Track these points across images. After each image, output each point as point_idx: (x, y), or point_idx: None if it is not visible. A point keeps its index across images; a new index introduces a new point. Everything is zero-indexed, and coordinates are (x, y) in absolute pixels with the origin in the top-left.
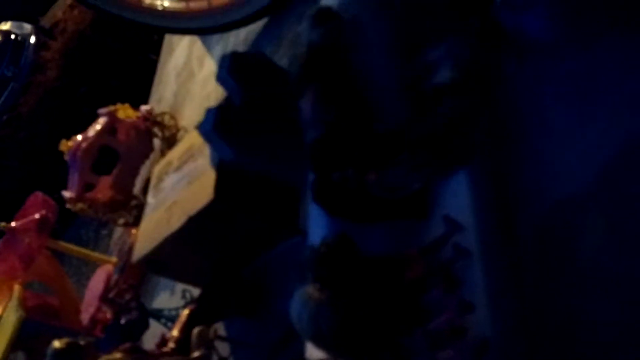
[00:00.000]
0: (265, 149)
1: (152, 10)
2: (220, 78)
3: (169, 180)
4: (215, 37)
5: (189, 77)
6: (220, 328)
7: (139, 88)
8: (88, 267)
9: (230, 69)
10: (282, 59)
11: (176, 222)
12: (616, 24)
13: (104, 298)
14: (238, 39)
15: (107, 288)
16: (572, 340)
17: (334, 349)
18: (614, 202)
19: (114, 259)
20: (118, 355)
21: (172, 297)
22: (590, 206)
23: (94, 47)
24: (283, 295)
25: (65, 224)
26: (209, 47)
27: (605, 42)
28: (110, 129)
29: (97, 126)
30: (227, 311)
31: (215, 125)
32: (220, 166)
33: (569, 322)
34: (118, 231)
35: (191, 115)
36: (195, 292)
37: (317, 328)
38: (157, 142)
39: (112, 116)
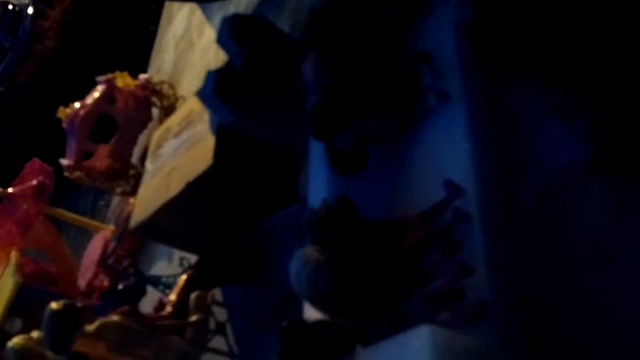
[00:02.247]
0: (266, 113)
1: None
2: (221, 41)
3: (168, 147)
4: (215, 6)
5: (189, 46)
6: (217, 294)
7: (138, 58)
8: (85, 238)
9: (232, 32)
10: (283, 26)
11: (175, 188)
12: None
13: (101, 264)
14: (239, 8)
15: (104, 254)
16: (568, 304)
17: (332, 310)
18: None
19: (111, 227)
20: (116, 317)
21: (170, 265)
22: (590, 175)
23: (93, 16)
24: (281, 262)
25: (62, 196)
26: (208, 16)
27: None
28: (108, 97)
29: (96, 94)
30: (225, 277)
31: (215, 88)
32: (220, 131)
33: (565, 286)
34: (116, 200)
35: (190, 84)
36: (193, 260)
37: (316, 288)
38: (155, 111)
39: (110, 84)
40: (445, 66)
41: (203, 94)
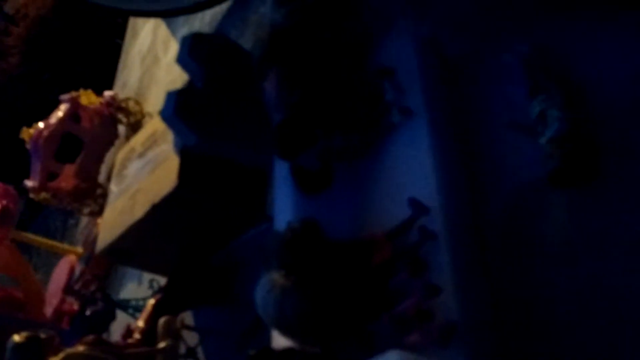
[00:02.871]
0: (230, 133)
1: None
2: (181, 60)
3: (132, 167)
4: (180, 20)
5: (154, 61)
6: (188, 317)
7: (105, 73)
8: (57, 258)
9: (191, 52)
10: (247, 41)
11: (140, 210)
12: None
13: (67, 290)
14: (203, 22)
15: (70, 279)
16: (539, 321)
17: (300, 336)
18: None
19: (79, 249)
20: (81, 348)
21: (140, 287)
22: (552, 188)
23: (57, 32)
24: (252, 282)
25: (32, 215)
26: (173, 31)
27: (566, 19)
28: (72, 115)
29: (59, 113)
30: (195, 300)
31: (177, 109)
32: (184, 152)
33: (534, 300)
34: (84, 220)
35: (156, 100)
36: (163, 281)
37: (283, 315)
38: (122, 129)
39: (74, 102)
40: (407, 82)
41: (164, 115)
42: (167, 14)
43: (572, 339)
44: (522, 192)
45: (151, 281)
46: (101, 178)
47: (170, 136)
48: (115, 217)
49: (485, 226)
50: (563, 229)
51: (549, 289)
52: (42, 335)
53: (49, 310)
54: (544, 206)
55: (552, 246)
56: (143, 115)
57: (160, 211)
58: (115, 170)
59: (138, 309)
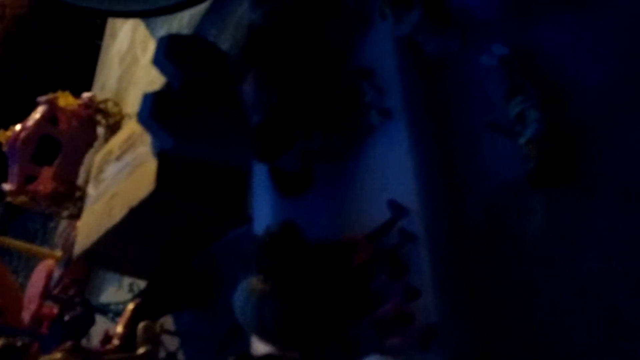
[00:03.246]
0: (208, 135)
1: None
2: (157, 62)
3: (110, 170)
4: (158, 21)
5: (133, 62)
6: (168, 322)
7: (84, 74)
8: (38, 261)
9: (168, 53)
10: (226, 41)
11: (118, 213)
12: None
13: (45, 295)
14: (182, 23)
15: (48, 284)
16: (519, 322)
17: (279, 342)
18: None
19: (58, 253)
20: (58, 355)
21: (119, 291)
22: (532, 189)
23: (35, 32)
24: (233, 285)
25: (11, 217)
26: (152, 31)
27: (545, 20)
28: (50, 117)
29: (37, 115)
30: (175, 304)
31: (153, 112)
32: (161, 154)
33: (515, 303)
34: (63, 223)
35: (135, 101)
36: (143, 284)
37: (262, 321)
38: (100, 130)
39: (52, 104)
40: (386, 83)
41: (141, 118)
42: (146, 15)
43: (551, 339)
44: (501, 192)
45: (131, 285)
46: (80, 180)
47: (148, 138)
48: (93, 221)
49: (464, 227)
50: (542, 230)
51: (529, 290)
52: (19, 343)
53: (26, 317)
54: (523, 207)
55: (531, 247)
56: (122, 117)
57: (139, 214)
58: (92, 173)
59: (118, 313)
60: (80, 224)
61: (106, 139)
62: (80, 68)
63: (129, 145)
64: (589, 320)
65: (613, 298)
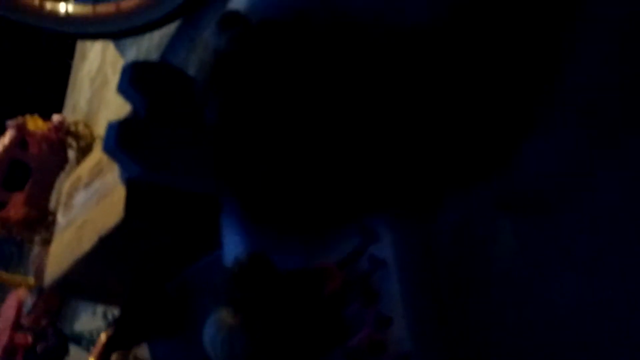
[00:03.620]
0: (177, 161)
1: (56, 16)
2: (122, 89)
3: (79, 197)
4: (128, 41)
5: (103, 83)
6: (142, 351)
7: (56, 94)
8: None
9: (132, 80)
10: (195, 62)
11: (87, 242)
12: None
13: (17, 326)
14: (152, 43)
15: (19, 315)
16: (491, 347)
17: None
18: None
19: (31, 280)
20: None
21: (94, 318)
22: (501, 213)
23: (3, 53)
24: (207, 311)
25: None
26: (122, 52)
27: None
28: (19, 142)
29: (5, 140)
30: (149, 332)
31: (118, 141)
32: (130, 182)
33: (487, 328)
34: (36, 249)
35: (106, 122)
36: (117, 311)
37: (232, 354)
38: (72, 153)
39: (21, 128)
40: None
41: (106, 148)
42: (114, 36)
43: None
44: (470, 217)
45: (105, 312)
46: (52, 205)
47: (116, 165)
48: (63, 250)
49: (434, 252)
50: (511, 254)
51: (500, 315)
52: None
53: None
54: (492, 232)
55: (501, 272)
56: (93, 139)
57: (108, 243)
58: (62, 200)
59: (93, 342)
60: (50, 252)
61: (78, 162)
62: (53, 88)
63: (98, 171)
64: (561, 344)
65: (585, 320)
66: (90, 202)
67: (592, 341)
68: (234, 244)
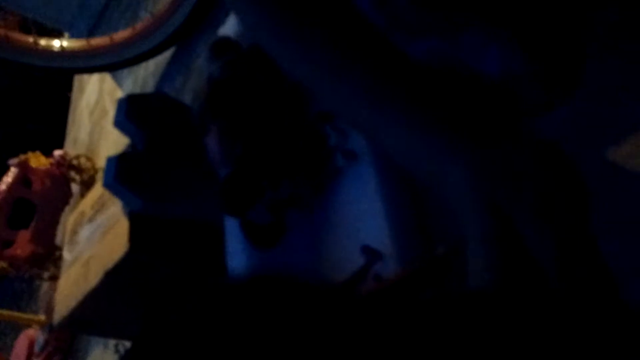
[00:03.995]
0: (178, 191)
1: (51, 52)
2: (119, 124)
3: (83, 233)
4: (124, 71)
5: (102, 114)
6: None
7: (57, 128)
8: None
9: (128, 113)
10: (192, 90)
11: (94, 278)
12: None
13: None
14: (147, 71)
15: (30, 353)
16: None
17: None
18: None
19: (42, 317)
20: None
21: (106, 352)
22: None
23: (2, 90)
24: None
25: None
26: (119, 82)
27: None
28: (23, 180)
29: (8, 179)
30: None
31: (118, 175)
32: (132, 215)
33: None
34: (45, 285)
35: (108, 154)
36: (129, 344)
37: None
38: (75, 187)
39: (23, 166)
40: (347, 126)
41: (106, 183)
42: (109, 69)
43: None
44: None
45: (116, 345)
46: (58, 240)
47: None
48: (70, 287)
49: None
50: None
51: None
52: None
53: None
54: None
55: None
56: (96, 171)
57: (115, 277)
58: (67, 237)
59: None
60: (57, 289)
61: (82, 195)
62: (54, 122)
63: (100, 205)
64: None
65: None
66: (94, 237)
67: None
68: (239, 267)
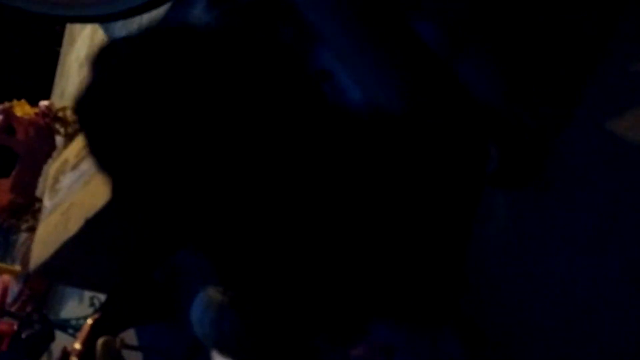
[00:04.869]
0: None
1: None
2: None
3: (66, 181)
4: (117, 25)
5: None
6: (129, 336)
7: (44, 82)
8: None
9: None
10: None
11: (74, 225)
12: None
13: (1, 312)
14: (141, 27)
15: (4, 301)
16: (485, 325)
17: (240, 356)
18: None
19: (17, 267)
20: None
21: (81, 305)
22: (494, 189)
23: None
24: (195, 296)
25: None
26: (111, 36)
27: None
28: (6, 127)
29: None
30: (136, 317)
31: None
32: None
33: (482, 307)
34: (23, 236)
35: None
36: (104, 298)
37: (221, 334)
38: (59, 139)
39: (8, 114)
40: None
41: None
42: (102, 19)
43: (520, 340)
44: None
45: (92, 298)
46: (39, 192)
47: None
48: (49, 234)
49: None
50: (505, 231)
51: (494, 291)
52: None
53: None
54: (487, 208)
55: (495, 249)
56: None
57: (95, 226)
58: (48, 184)
59: (78, 329)
60: (36, 236)
61: (65, 148)
62: (40, 76)
63: (85, 153)
64: (553, 321)
65: (575, 299)
66: (77, 185)
67: (587, 316)
68: None
